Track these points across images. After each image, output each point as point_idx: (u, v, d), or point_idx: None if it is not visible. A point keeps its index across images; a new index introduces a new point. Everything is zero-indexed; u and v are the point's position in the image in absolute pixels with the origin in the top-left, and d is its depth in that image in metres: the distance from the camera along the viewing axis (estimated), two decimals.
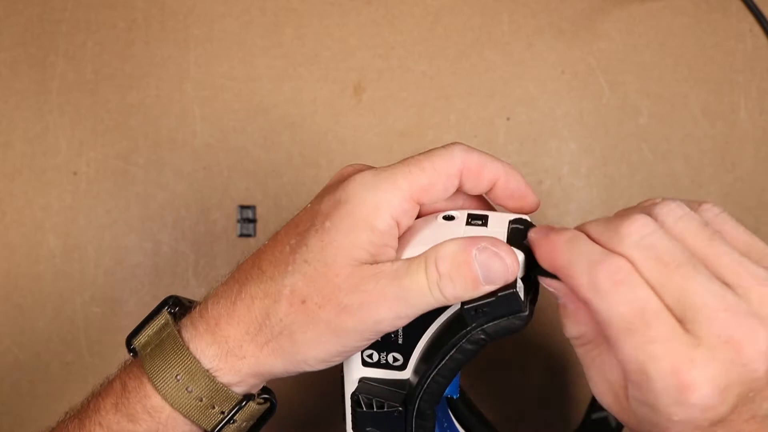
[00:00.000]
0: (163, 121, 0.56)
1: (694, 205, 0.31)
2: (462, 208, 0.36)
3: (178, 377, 0.33)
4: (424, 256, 0.32)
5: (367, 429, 0.36)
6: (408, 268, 0.31)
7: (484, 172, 0.34)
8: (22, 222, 0.56)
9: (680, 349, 0.27)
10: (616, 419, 0.40)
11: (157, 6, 0.57)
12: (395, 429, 0.35)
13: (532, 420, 0.55)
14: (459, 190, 0.34)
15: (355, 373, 0.36)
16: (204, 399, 0.34)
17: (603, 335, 0.30)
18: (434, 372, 0.33)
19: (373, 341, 0.34)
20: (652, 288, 0.28)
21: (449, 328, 0.33)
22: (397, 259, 0.33)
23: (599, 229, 0.30)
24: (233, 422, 0.34)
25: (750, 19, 0.56)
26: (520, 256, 0.32)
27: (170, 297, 0.37)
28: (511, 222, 0.34)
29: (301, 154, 0.56)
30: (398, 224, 0.32)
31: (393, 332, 0.34)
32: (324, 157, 0.56)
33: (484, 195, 0.36)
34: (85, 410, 0.35)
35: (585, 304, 0.30)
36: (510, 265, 0.31)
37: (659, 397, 0.27)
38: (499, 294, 0.31)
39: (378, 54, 0.57)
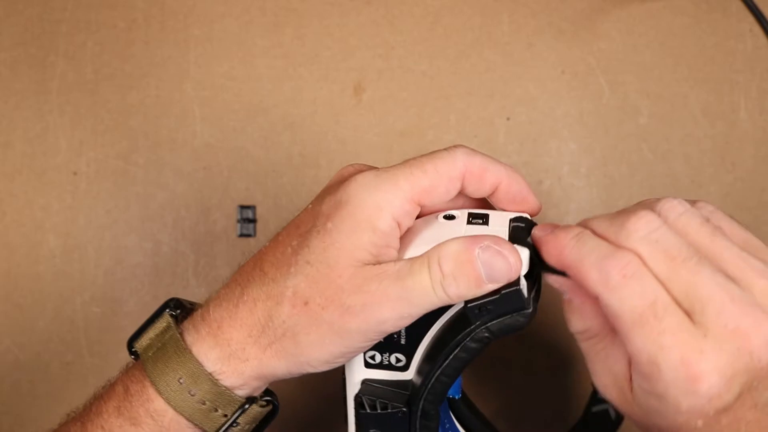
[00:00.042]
0: (163, 121, 0.56)
1: (688, 203, 0.32)
2: (462, 208, 0.36)
3: (181, 381, 0.33)
4: (426, 255, 0.32)
5: (371, 431, 0.36)
6: (411, 268, 0.31)
7: (487, 176, 0.34)
8: (22, 222, 0.56)
9: (689, 340, 0.28)
10: (616, 411, 0.41)
11: (157, 6, 0.57)
12: (399, 430, 0.35)
13: (533, 417, 0.55)
14: (460, 193, 0.34)
15: (358, 375, 0.36)
16: (207, 402, 0.33)
17: (609, 328, 0.31)
18: (438, 371, 0.33)
19: (376, 342, 0.34)
20: (661, 282, 0.29)
21: (452, 327, 0.33)
22: (399, 259, 0.33)
23: (604, 225, 0.31)
24: (236, 425, 0.34)
25: (750, 19, 0.56)
26: (523, 253, 0.32)
27: (171, 299, 0.37)
28: (512, 220, 0.34)
29: (301, 154, 0.56)
30: (399, 225, 0.32)
31: (395, 333, 0.34)
32: (324, 157, 0.56)
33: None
34: (86, 413, 0.35)
35: (593, 298, 0.30)
36: (513, 263, 0.31)
37: (669, 387, 0.28)
38: (503, 292, 0.31)
39: (378, 54, 0.57)
